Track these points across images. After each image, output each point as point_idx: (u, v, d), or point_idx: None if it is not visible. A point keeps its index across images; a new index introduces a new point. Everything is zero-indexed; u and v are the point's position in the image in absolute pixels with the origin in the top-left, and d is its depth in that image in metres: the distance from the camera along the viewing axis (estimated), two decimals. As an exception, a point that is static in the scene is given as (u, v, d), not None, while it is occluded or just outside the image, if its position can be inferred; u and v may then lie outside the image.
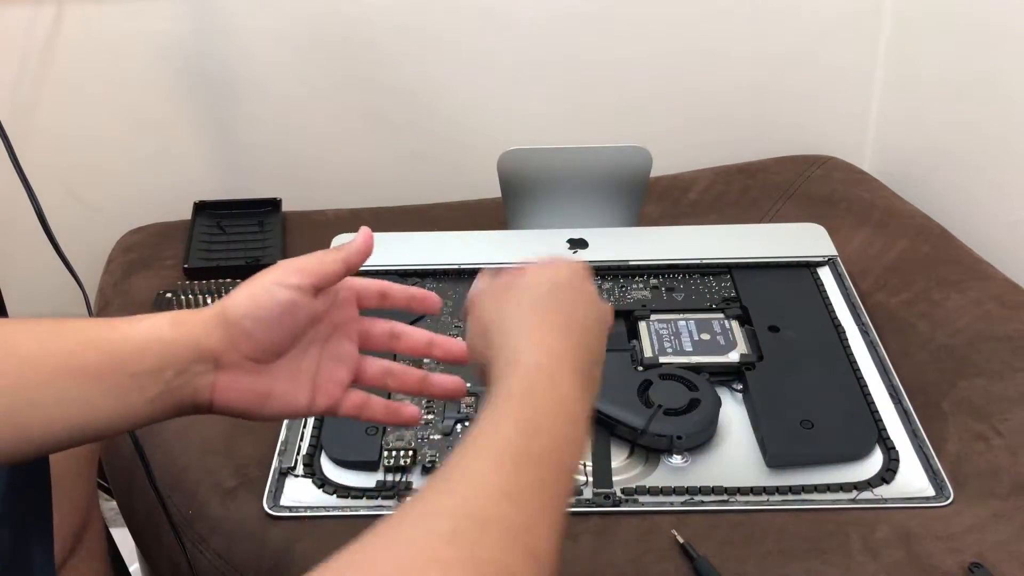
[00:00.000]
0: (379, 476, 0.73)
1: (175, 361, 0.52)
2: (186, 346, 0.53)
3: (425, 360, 0.75)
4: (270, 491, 0.73)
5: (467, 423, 0.76)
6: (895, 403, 0.79)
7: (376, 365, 0.61)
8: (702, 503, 0.71)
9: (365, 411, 0.60)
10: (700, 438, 0.75)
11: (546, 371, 0.48)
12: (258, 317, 0.54)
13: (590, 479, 0.73)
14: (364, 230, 0.59)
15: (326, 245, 0.96)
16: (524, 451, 0.43)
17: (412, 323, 0.63)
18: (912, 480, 0.72)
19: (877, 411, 0.77)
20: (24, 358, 0.50)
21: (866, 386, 0.80)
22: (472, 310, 0.57)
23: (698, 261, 0.93)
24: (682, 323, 0.86)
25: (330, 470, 0.75)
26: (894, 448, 0.74)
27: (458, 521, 0.39)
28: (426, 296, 0.62)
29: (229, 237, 1.06)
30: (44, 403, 0.49)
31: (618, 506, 0.71)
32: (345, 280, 0.59)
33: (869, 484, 0.72)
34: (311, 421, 0.78)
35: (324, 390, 0.58)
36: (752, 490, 0.72)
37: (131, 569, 0.97)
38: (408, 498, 0.41)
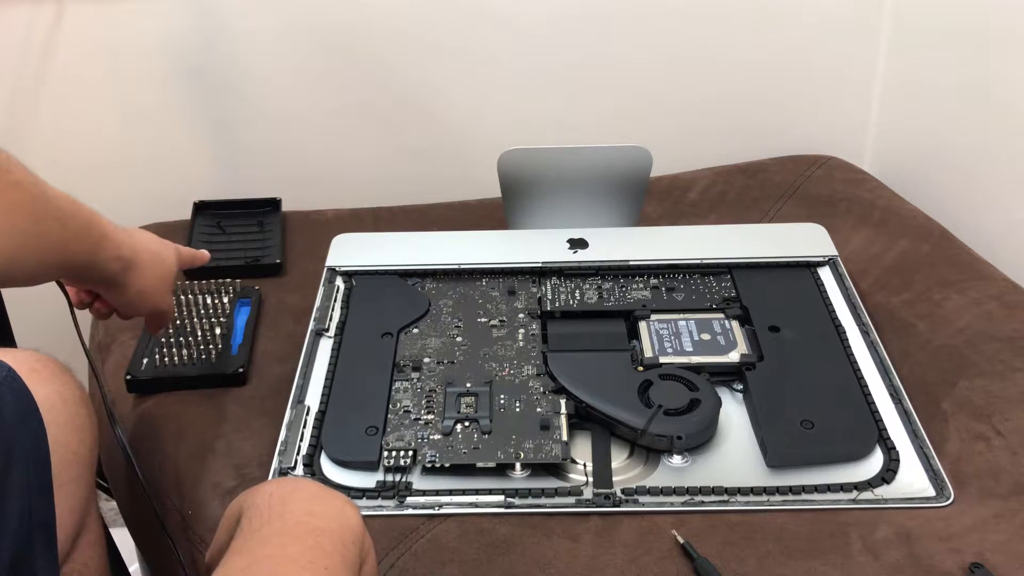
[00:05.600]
0: (379, 476, 0.73)
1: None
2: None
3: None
4: (270, 491, 0.73)
5: (467, 423, 0.76)
6: (895, 403, 0.79)
7: None
8: (702, 503, 0.71)
9: None
10: (700, 438, 0.75)
11: None
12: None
13: (590, 479, 0.73)
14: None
15: (326, 245, 0.97)
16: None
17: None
18: (912, 480, 0.72)
19: (877, 411, 0.77)
20: None
21: (866, 386, 0.80)
22: None
23: (698, 261, 0.93)
24: (682, 323, 0.86)
25: (330, 470, 0.74)
26: (894, 448, 0.74)
27: None
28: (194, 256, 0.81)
29: (229, 237, 1.06)
30: None
31: (618, 506, 0.71)
32: None
33: (869, 484, 0.72)
34: (311, 421, 0.78)
35: None
36: (752, 490, 0.72)
37: (131, 569, 0.97)
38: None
